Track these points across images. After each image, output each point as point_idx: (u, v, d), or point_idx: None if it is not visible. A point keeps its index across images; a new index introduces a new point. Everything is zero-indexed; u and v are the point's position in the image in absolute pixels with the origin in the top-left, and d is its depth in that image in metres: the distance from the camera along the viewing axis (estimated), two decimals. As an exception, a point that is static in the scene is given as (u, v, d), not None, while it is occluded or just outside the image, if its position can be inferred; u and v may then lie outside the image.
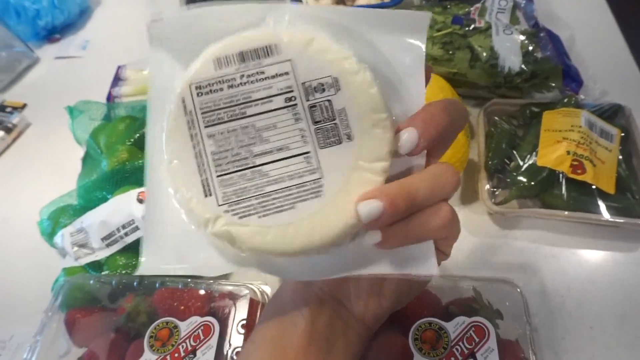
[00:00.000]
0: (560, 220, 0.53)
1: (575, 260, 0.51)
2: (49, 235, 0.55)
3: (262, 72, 0.27)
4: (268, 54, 0.27)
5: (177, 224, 0.27)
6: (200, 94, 0.27)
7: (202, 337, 0.42)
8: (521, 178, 0.53)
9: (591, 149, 0.51)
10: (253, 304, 0.45)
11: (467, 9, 0.66)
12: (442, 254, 0.30)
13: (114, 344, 0.43)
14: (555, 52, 0.60)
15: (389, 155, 0.26)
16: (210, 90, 0.27)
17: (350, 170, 0.26)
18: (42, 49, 0.88)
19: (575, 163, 0.50)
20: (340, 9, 0.29)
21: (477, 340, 0.39)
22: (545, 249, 0.52)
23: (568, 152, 0.51)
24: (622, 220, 0.49)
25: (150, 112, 0.28)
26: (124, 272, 0.50)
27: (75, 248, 0.51)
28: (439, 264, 0.29)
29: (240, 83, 0.27)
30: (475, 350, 0.38)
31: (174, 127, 0.26)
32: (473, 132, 0.60)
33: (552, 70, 0.59)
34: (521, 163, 0.54)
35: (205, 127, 0.26)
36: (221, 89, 0.27)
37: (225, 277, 0.53)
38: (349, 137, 0.26)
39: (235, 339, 0.43)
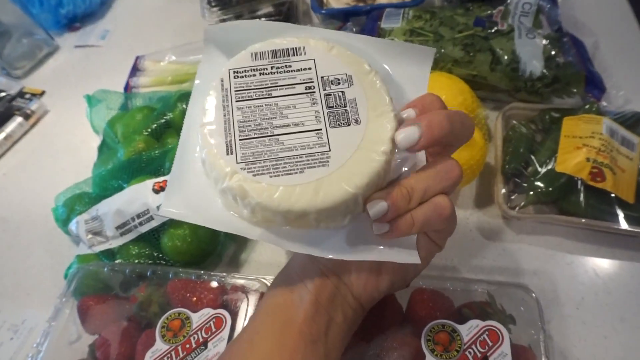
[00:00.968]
0: (577, 227, 0.52)
1: (591, 268, 0.50)
2: (64, 222, 0.55)
3: (289, 66, 0.32)
4: (295, 54, 0.33)
5: (198, 183, 0.31)
6: (236, 77, 0.32)
7: (213, 329, 0.42)
8: (539, 183, 0.52)
9: (612, 157, 0.51)
10: (265, 298, 0.45)
11: (489, 11, 0.65)
12: (437, 246, 0.34)
13: (126, 332, 0.43)
14: (579, 57, 0.59)
15: (390, 142, 0.29)
16: (245, 75, 0.32)
17: (355, 148, 0.29)
18: (62, 37, 0.88)
19: (595, 170, 0.50)
20: (359, 36, 0.35)
21: (490, 344, 0.38)
22: (560, 256, 0.51)
23: (588, 159, 0.50)
24: (641, 230, 0.48)
25: (194, 89, 0.34)
26: (136, 261, 0.50)
27: (90, 236, 0.52)
28: (433, 255, 0.34)
29: (270, 72, 0.32)
30: (488, 354, 0.38)
31: (211, 99, 0.31)
32: (490, 135, 0.60)
33: (574, 76, 0.58)
34: (539, 168, 0.53)
35: (236, 101, 0.31)
36: (254, 75, 0.32)
37: (238, 270, 0.53)
38: (357, 122, 0.30)
39: (247, 332, 0.42)
